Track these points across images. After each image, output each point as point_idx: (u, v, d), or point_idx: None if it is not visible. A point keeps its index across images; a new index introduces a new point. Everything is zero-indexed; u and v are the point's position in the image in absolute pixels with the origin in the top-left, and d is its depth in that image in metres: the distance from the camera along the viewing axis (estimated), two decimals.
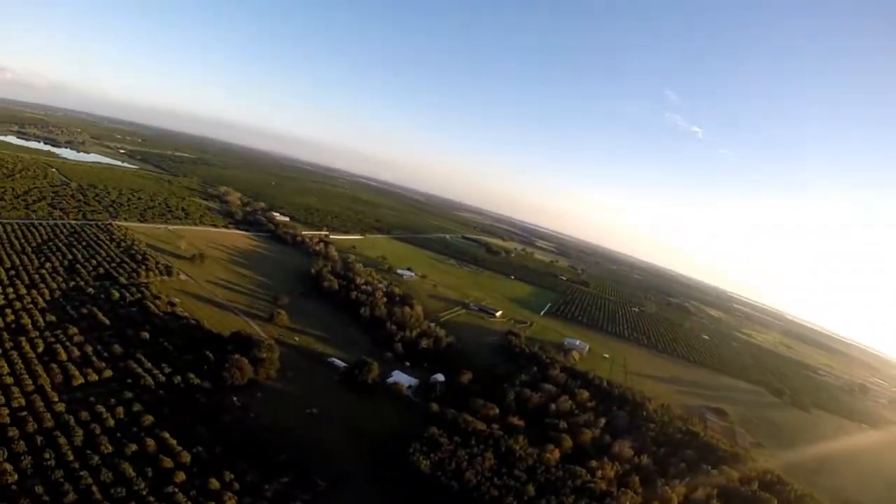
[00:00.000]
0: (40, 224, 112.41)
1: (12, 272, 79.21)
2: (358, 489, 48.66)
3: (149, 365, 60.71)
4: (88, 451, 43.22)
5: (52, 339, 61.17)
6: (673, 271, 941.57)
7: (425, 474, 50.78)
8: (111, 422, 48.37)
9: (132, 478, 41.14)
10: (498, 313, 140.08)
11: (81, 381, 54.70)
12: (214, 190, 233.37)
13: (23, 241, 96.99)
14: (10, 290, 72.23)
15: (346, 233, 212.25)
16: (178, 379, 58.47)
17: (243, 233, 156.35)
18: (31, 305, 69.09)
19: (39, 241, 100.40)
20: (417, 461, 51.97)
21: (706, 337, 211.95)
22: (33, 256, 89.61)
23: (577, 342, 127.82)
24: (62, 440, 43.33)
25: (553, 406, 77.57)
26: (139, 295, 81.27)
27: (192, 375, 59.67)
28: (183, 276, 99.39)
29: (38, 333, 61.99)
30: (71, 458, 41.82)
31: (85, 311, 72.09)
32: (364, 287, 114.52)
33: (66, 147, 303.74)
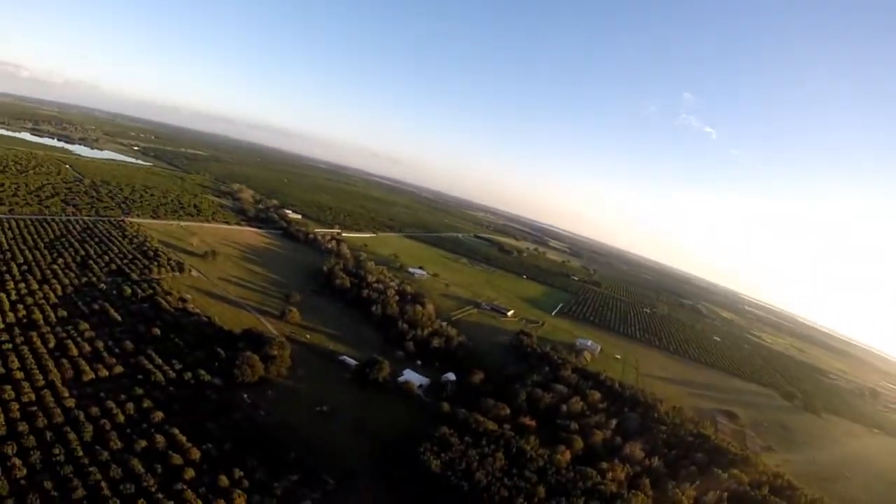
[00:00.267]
0: (53, 220, 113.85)
1: (24, 267, 79.85)
2: (367, 488, 48.47)
3: (160, 361, 60.89)
4: (98, 447, 43.14)
5: (64, 335, 61.42)
6: (685, 272, 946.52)
7: (435, 474, 50.63)
8: (121, 418, 48.32)
9: (141, 474, 40.98)
10: (510, 313, 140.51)
11: (92, 376, 54.76)
12: (227, 187, 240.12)
13: (35, 236, 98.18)
14: (23, 285, 72.65)
15: (358, 231, 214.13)
16: (188, 375, 58.66)
17: (256, 230, 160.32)
18: (42, 301, 69.43)
19: (52, 236, 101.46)
20: (428, 461, 51.82)
21: (718, 339, 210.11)
22: (46, 252, 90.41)
23: (589, 343, 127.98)
24: (72, 436, 43.23)
25: (564, 407, 77.78)
26: (151, 291, 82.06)
27: (202, 372, 60.00)
28: (195, 273, 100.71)
29: (49, 329, 62.24)
30: (80, 453, 41.69)
31: (97, 306, 72.52)
32: (376, 285, 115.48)
33: (80, 144, 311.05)
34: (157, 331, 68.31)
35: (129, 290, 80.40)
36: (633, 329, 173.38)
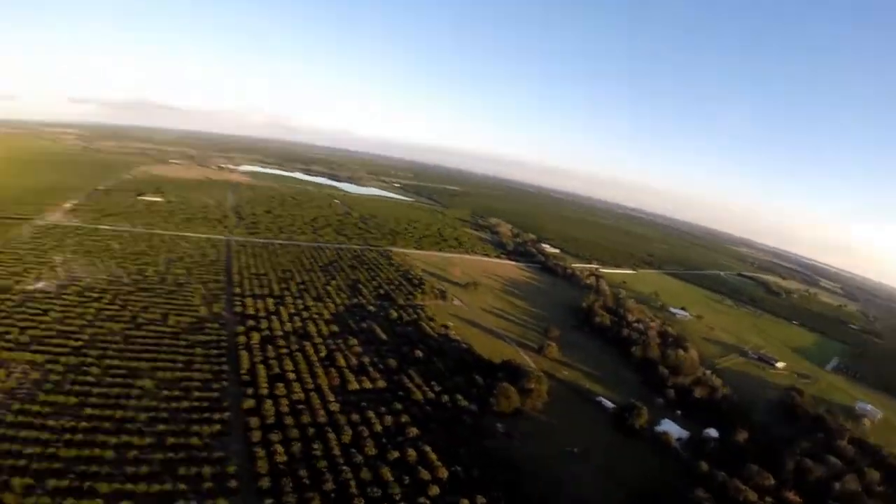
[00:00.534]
0: (327, 247, 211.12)
1: (302, 287, 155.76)
2: None
3: (419, 381, 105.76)
4: (353, 450, 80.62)
5: (334, 347, 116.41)
6: None
7: None
8: (378, 427, 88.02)
9: (389, 482, 73.69)
10: (779, 364, 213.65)
11: (356, 387, 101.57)
12: (484, 221, 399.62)
13: (312, 260, 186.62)
14: (300, 301, 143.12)
15: (616, 266, 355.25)
16: (446, 398, 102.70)
17: (515, 263, 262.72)
18: (317, 316, 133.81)
19: (326, 261, 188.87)
20: None
21: None
22: (321, 274, 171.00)
23: (869, 407, 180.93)
24: (331, 436, 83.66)
25: (837, 485, 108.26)
26: (415, 316, 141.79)
27: (459, 397, 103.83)
28: (457, 302, 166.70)
29: (321, 340, 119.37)
30: (337, 452, 79.75)
31: (365, 325, 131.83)
32: (636, 325, 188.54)
33: (347, 182, 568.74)
34: (419, 353, 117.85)
35: (395, 314, 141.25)
36: None
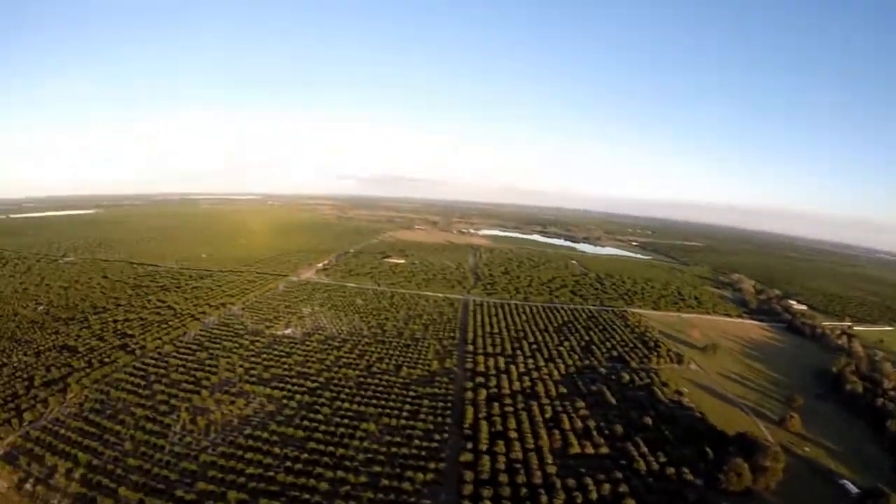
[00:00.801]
0: (562, 308, 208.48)
1: (535, 346, 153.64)
2: None
3: (645, 450, 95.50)
4: None
5: (560, 409, 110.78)
6: None
7: None
8: (594, 495, 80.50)
9: None
10: None
11: (577, 450, 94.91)
12: (726, 277, 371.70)
13: (546, 321, 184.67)
14: (531, 361, 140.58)
15: (871, 323, 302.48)
16: (670, 470, 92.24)
17: (757, 323, 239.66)
18: (546, 376, 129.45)
19: (560, 322, 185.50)
20: None
21: None
22: (554, 335, 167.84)
23: None
24: (544, 498, 78.49)
25: None
26: (648, 380, 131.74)
27: (686, 470, 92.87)
28: (693, 366, 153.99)
29: (548, 401, 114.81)
30: None
31: (594, 388, 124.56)
32: (892, 393, 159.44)
33: (584, 242, 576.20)
34: (648, 420, 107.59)
35: (626, 377, 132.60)
36: None
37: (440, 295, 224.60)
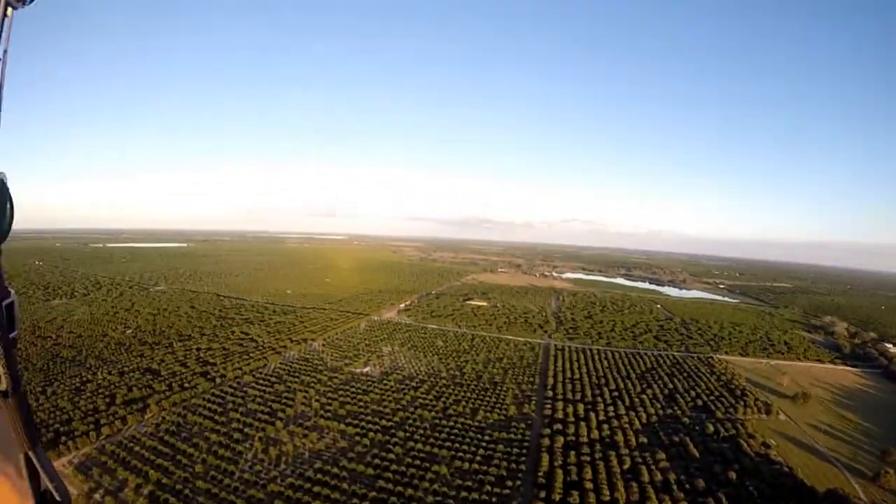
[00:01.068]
0: (645, 354, 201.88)
1: (615, 394, 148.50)
2: None
3: None
4: None
5: (639, 460, 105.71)
6: None
7: None
8: None
9: None
10: None
11: None
12: (817, 320, 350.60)
13: (628, 367, 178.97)
14: (612, 408, 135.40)
15: None
16: None
17: (850, 368, 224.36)
18: (626, 425, 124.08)
19: (643, 369, 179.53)
20: None
21: None
22: (637, 382, 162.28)
23: None
24: None
25: None
26: (733, 431, 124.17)
27: None
28: (781, 416, 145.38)
29: (627, 451, 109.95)
30: None
31: (676, 439, 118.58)
32: None
33: (669, 285, 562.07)
34: (732, 474, 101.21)
35: (711, 428, 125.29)
36: None
37: (521, 339, 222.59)
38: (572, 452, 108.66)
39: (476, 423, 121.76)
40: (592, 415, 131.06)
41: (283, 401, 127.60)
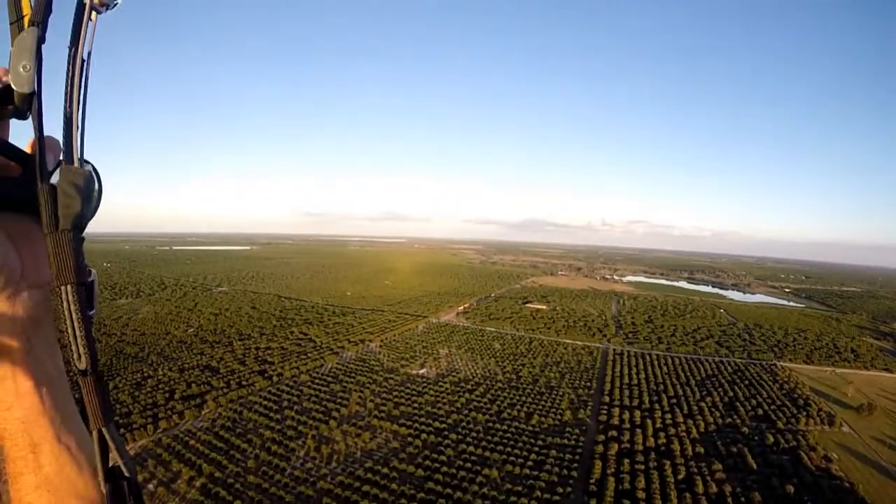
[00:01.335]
0: (706, 360, 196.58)
1: (673, 401, 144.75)
2: None
3: None
4: None
5: (695, 470, 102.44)
6: None
7: None
8: None
9: None
10: None
11: None
12: (887, 327, 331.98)
13: (688, 373, 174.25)
14: (669, 416, 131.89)
15: None
16: None
17: None
18: (683, 434, 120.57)
19: (703, 375, 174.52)
20: None
21: None
22: (696, 389, 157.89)
23: None
24: None
25: None
26: (794, 443, 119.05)
27: None
28: (846, 429, 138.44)
29: (683, 461, 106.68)
30: None
31: (735, 449, 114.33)
32: None
33: (732, 289, 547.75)
34: (790, 488, 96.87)
35: (771, 439, 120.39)
36: None
37: (579, 343, 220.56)
38: (626, 460, 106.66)
39: (530, 428, 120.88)
40: (649, 422, 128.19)
41: (338, 400, 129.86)
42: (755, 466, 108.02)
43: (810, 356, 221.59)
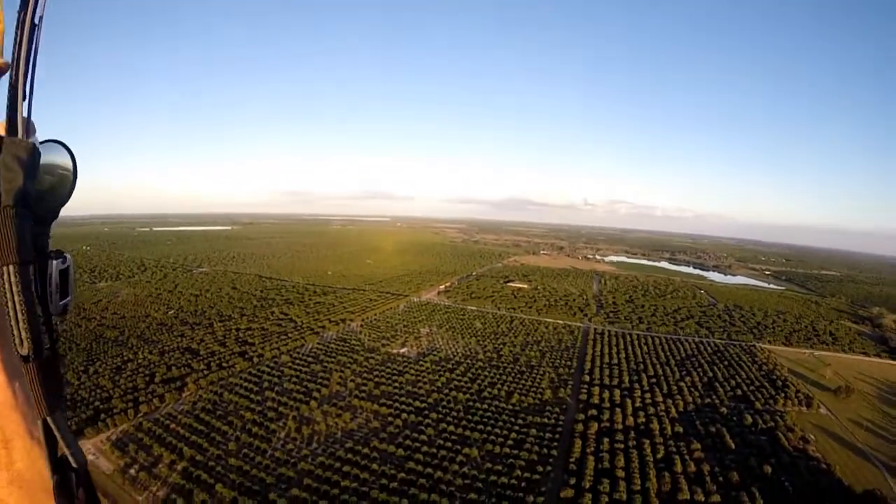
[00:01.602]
0: (686, 340, 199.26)
1: (653, 380, 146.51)
2: None
3: (761, 502, 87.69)
4: None
5: (674, 449, 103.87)
6: None
7: None
8: None
9: None
10: None
11: (686, 497, 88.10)
12: (865, 311, 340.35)
13: (668, 353, 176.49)
14: (648, 395, 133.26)
15: None
16: None
17: None
18: (663, 413, 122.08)
19: (683, 355, 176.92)
20: None
21: None
22: (675, 369, 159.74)
23: None
24: None
25: None
26: (772, 424, 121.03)
27: None
28: (823, 410, 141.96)
29: (662, 440, 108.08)
30: None
31: (713, 429, 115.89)
32: None
33: (713, 270, 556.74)
34: (768, 469, 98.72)
35: (749, 419, 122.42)
36: None
37: (560, 322, 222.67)
38: (606, 439, 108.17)
39: (510, 407, 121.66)
40: (629, 401, 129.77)
41: (319, 380, 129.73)
42: (733, 446, 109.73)
43: (789, 338, 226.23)
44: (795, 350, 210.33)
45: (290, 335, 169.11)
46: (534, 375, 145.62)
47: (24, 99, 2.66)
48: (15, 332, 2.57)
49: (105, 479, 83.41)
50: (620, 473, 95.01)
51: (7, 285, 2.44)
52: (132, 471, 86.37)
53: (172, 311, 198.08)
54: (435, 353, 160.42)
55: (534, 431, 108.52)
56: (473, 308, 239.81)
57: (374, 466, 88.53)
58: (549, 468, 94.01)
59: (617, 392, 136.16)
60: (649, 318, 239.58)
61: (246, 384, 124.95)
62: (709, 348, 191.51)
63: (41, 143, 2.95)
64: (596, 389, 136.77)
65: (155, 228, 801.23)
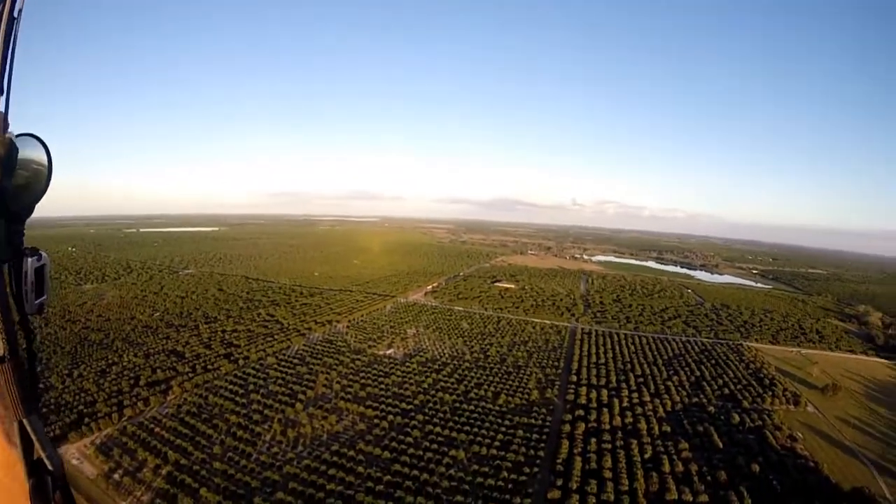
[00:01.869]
0: (673, 339, 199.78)
1: (641, 380, 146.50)
2: None
3: (749, 501, 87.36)
4: None
5: (661, 449, 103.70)
6: None
7: None
8: None
9: None
10: None
11: (675, 496, 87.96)
12: (851, 309, 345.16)
13: (655, 353, 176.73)
14: (636, 395, 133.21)
15: None
16: None
17: (884, 361, 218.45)
18: (650, 412, 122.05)
19: (670, 355, 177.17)
20: None
21: None
22: (663, 368, 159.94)
23: None
24: None
25: None
26: (760, 422, 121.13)
27: None
28: (810, 408, 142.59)
29: (649, 440, 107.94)
30: None
31: (701, 428, 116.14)
32: None
33: (701, 270, 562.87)
34: (756, 467, 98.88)
35: (737, 418, 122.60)
36: None
37: (548, 322, 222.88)
38: (593, 439, 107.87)
39: (497, 408, 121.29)
40: (616, 401, 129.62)
41: (305, 383, 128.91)
42: (721, 445, 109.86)
43: (776, 337, 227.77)
44: (782, 348, 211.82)
45: (276, 337, 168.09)
46: (521, 376, 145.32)
47: (0, 94, 2.60)
48: None
49: (89, 484, 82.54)
50: (608, 474, 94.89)
51: None
52: (116, 475, 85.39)
53: (158, 314, 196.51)
54: (421, 354, 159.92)
55: (521, 432, 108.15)
56: (460, 308, 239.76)
57: (360, 469, 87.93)
58: (536, 469, 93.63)
59: (604, 392, 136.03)
60: (636, 317, 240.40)
61: (231, 387, 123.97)
62: (696, 347, 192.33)
63: (15, 136, 2.91)
64: (583, 389, 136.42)
65: (142, 230, 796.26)
